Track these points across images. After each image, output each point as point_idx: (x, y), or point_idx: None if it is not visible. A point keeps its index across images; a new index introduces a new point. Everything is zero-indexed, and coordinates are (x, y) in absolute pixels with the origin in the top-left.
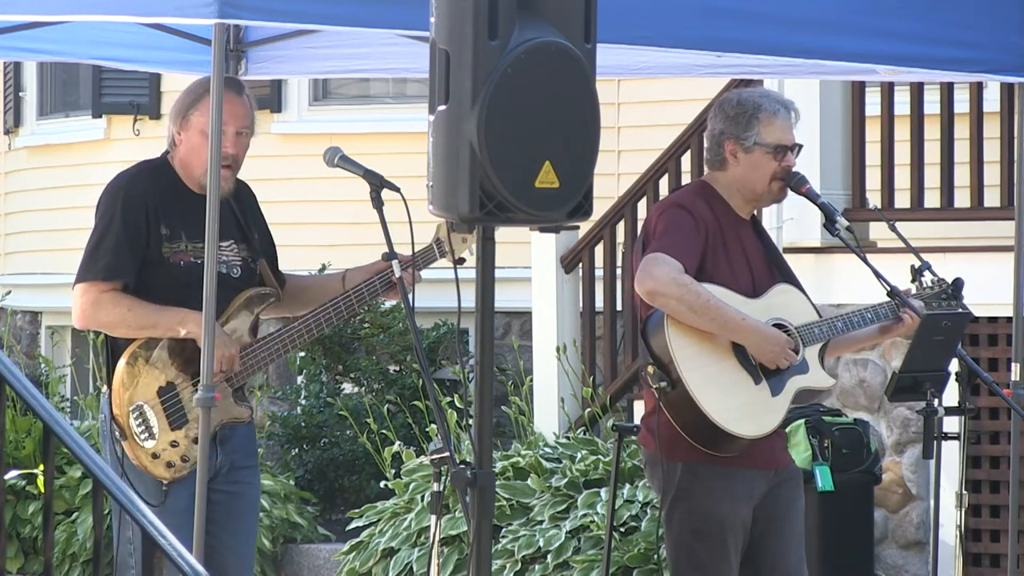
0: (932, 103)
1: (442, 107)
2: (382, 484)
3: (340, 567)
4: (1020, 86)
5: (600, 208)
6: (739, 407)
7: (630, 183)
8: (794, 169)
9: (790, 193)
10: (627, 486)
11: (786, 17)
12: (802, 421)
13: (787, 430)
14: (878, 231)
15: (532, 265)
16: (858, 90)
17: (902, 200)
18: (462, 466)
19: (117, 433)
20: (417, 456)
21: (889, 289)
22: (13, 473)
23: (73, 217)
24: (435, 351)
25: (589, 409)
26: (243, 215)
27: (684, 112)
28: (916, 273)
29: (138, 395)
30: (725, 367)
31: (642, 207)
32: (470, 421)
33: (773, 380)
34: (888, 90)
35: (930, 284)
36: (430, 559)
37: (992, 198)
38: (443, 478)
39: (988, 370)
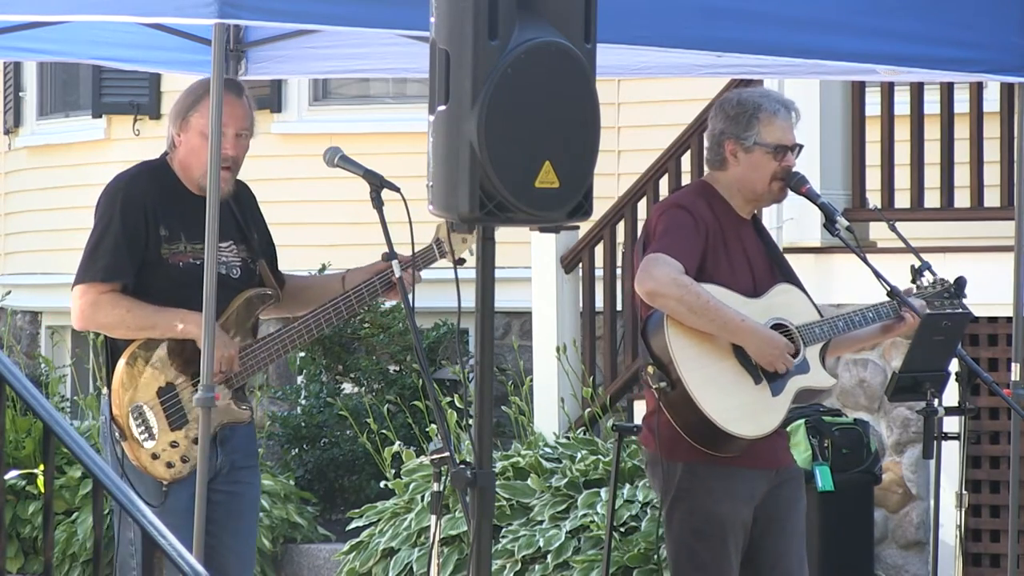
0: (932, 103)
1: (442, 107)
2: (382, 484)
3: (340, 567)
4: (1020, 86)
5: (600, 208)
6: (739, 407)
7: (630, 183)
8: (794, 169)
9: (790, 193)
10: (627, 486)
11: (786, 17)
12: (802, 421)
13: (787, 430)
14: (878, 231)
15: (532, 265)
16: (858, 90)
17: (902, 200)
18: (462, 466)
19: (117, 434)
20: (417, 456)
21: (889, 289)
22: (13, 473)
23: (73, 217)
24: (435, 351)
25: (589, 409)
26: (242, 216)
27: (684, 112)
28: (916, 273)
29: (138, 396)
30: (725, 367)
31: (642, 207)
32: (470, 421)
33: (773, 380)
34: (888, 90)
35: (931, 284)
36: (430, 559)
37: (992, 198)
38: (443, 478)
39: (988, 370)
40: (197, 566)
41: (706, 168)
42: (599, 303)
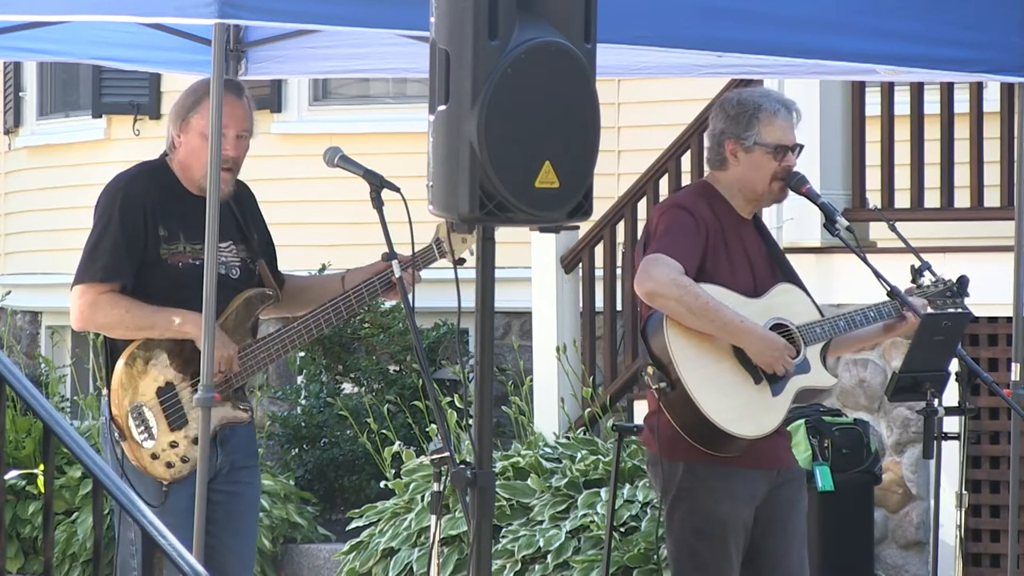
0: (932, 103)
1: (442, 107)
2: (382, 484)
3: (340, 567)
4: (1020, 86)
5: (600, 208)
6: (738, 407)
7: (630, 183)
8: (794, 169)
9: (790, 193)
10: (627, 486)
11: (786, 17)
12: (802, 421)
13: (788, 430)
14: (878, 231)
15: (532, 265)
16: (858, 90)
17: (902, 200)
18: (462, 466)
19: (116, 434)
20: (417, 456)
21: (889, 289)
22: (13, 473)
23: (73, 217)
24: (435, 351)
25: (589, 409)
26: (242, 216)
27: (684, 112)
28: (916, 273)
29: (137, 396)
30: (724, 367)
31: (642, 207)
32: (470, 421)
33: (774, 380)
34: (888, 90)
35: (933, 283)
36: (430, 559)
37: (992, 198)
38: (443, 478)
39: (988, 370)
40: (197, 566)
41: (707, 168)
42: (599, 303)
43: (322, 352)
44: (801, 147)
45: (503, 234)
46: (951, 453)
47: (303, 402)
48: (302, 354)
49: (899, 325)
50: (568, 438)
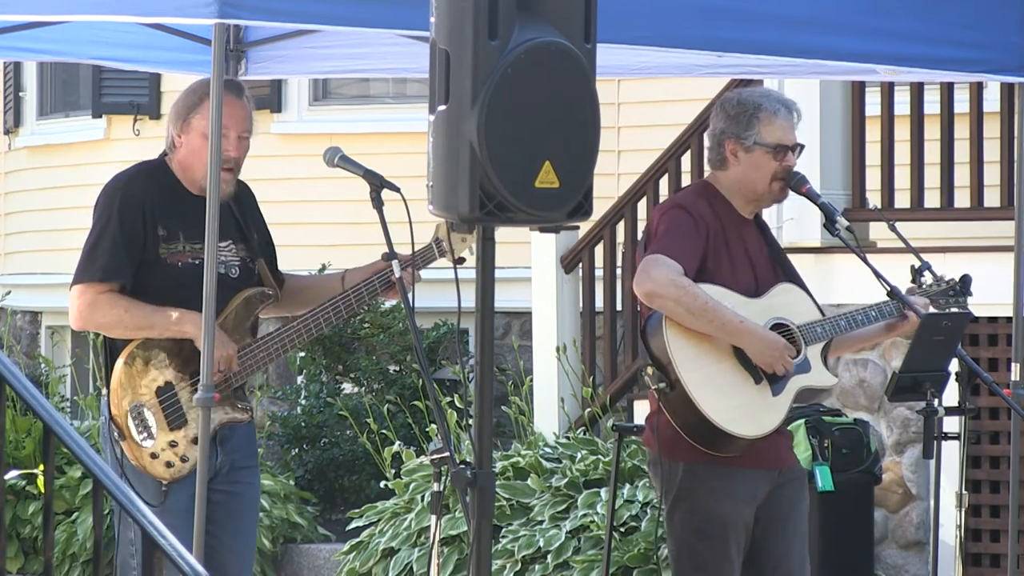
0: (932, 103)
1: (442, 107)
2: (382, 484)
3: (340, 567)
4: (1020, 86)
5: (600, 208)
6: (738, 407)
7: (630, 183)
8: (794, 169)
9: (790, 193)
10: (627, 486)
11: (786, 17)
12: (802, 421)
13: (789, 429)
14: (878, 231)
15: (532, 265)
16: (858, 90)
17: (902, 200)
18: (462, 466)
19: (116, 434)
20: (417, 456)
21: (889, 289)
22: (13, 473)
23: (73, 217)
24: (435, 351)
25: (589, 409)
26: (242, 215)
27: (684, 112)
28: (916, 273)
29: (136, 395)
30: (724, 368)
31: (642, 207)
32: (470, 421)
33: (774, 380)
34: (888, 90)
35: (935, 282)
36: (430, 559)
37: (992, 198)
38: (443, 478)
39: (988, 370)
40: (197, 566)
41: (707, 168)
42: (599, 303)
43: (322, 352)
44: (801, 147)
45: (503, 234)
46: (951, 453)
47: (303, 402)
48: (302, 354)
49: (900, 324)
50: (568, 438)
